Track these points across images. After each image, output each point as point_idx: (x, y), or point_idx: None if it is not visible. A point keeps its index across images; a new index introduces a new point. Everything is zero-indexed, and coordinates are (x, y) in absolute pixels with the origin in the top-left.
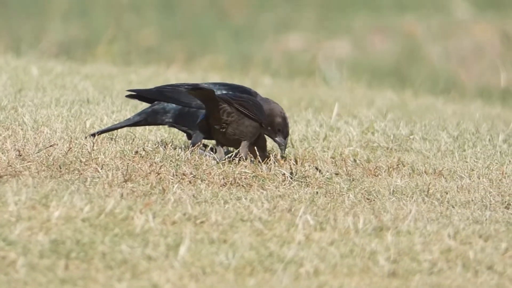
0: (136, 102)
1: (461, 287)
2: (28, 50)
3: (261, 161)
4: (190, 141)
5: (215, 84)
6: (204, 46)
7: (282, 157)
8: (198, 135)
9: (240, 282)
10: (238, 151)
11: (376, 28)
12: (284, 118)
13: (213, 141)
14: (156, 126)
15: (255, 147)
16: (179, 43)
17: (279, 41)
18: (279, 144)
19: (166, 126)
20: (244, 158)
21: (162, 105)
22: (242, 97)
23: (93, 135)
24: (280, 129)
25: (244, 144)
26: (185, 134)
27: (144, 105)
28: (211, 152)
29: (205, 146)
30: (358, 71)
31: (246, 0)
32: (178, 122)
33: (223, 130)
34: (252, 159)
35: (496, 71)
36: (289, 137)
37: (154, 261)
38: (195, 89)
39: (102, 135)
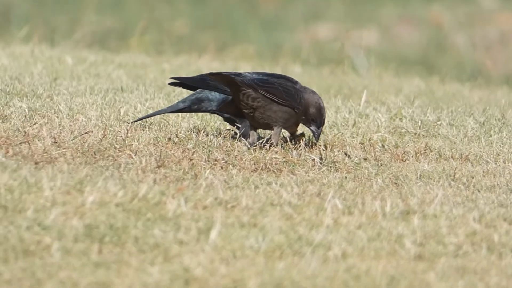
0: (169, 89)
1: (486, 269)
2: (63, 41)
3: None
4: (239, 131)
5: (255, 73)
6: (235, 36)
7: (313, 143)
8: (246, 125)
9: (270, 265)
10: (270, 136)
11: (403, 18)
12: (319, 109)
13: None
14: (189, 113)
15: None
16: (211, 33)
17: (309, 31)
18: (313, 133)
19: (199, 113)
20: (275, 144)
21: (205, 93)
22: (271, 82)
23: (138, 120)
24: (314, 119)
25: (276, 130)
26: (223, 120)
27: (179, 93)
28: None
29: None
30: (386, 59)
31: None
32: (222, 109)
33: (251, 114)
34: (283, 144)
35: None
36: (323, 127)
37: (186, 245)
38: (214, 74)
39: (136, 122)
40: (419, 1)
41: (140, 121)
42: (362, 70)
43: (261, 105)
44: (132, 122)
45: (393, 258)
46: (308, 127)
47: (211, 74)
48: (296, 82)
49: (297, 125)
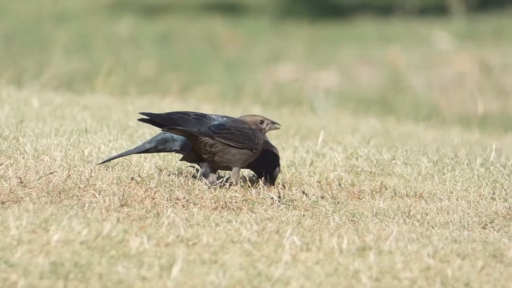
0: (132, 130)
1: None
2: (30, 83)
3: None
4: (200, 171)
5: (220, 116)
6: (198, 77)
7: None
8: (206, 165)
9: None
10: (230, 176)
11: (362, 59)
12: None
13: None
14: (151, 154)
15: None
16: (175, 74)
17: (270, 72)
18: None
19: (161, 153)
20: (234, 183)
21: (170, 133)
22: (228, 128)
23: (105, 161)
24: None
25: (234, 170)
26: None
27: (141, 134)
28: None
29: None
30: (344, 100)
31: (238, 34)
32: (185, 149)
33: (210, 159)
34: (242, 183)
35: (475, 99)
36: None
37: (149, 281)
38: (170, 128)
39: (99, 162)
40: (378, 43)
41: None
42: (321, 111)
43: (219, 149)
44: (98, 164)
45: None
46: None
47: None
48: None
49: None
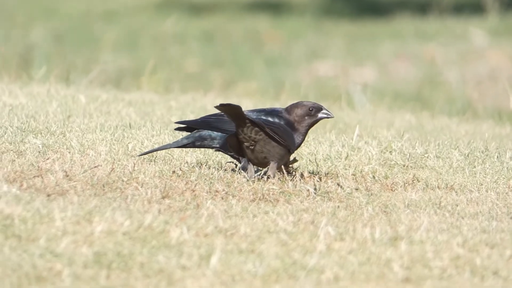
0: (173, 126)
1: None
2: (79, 80)
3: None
4: (240, 165)
5: (256, 111)
6: (241, 74)
7: (309, 174)
8: (245, 160)
9: None
10: (267, 170)
11: (399, 55)
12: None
13: None
14: (192, 149)
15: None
16: (218, 71)
17: (310, 69)
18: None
19: (202, 148)
20: (272, 177)
21: (208, 132)
22: (274, 123)
23: (144, 153)
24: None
25: (272, 165)
26: (228, 157)
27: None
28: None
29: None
30: (381, 95)
31: (280, 32)
32: (224, 147)
33: (252, 147)
34: (280, 176)
35: (508, 94)
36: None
37: (188, 270)
38: (223, 105)
39: (143, 156)
40: (415, 39)
41: (146, 155)
42: (359, 106)
43: (262, 138)
44: (139, 155)
45: (382, 281)
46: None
47: (221, 105)
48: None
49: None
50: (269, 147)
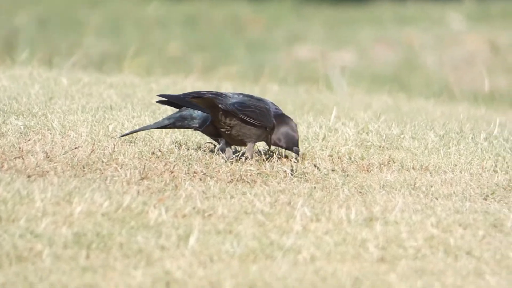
0: (154, 107)
1: (442, 270)
2: (62, 63)
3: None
4: (218, 146)
5: (236, 94)
6: (221, 58)
7: (286, 156)
8: (223, 141)
9: (244, 268)
10: (245, 151)
11: (379, 40)
12: (296, 134)
13: None
14: (172, 129)
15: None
16: (200, 55)
17: (290, 53)
18: (296, 153)
19: (182, 129)
20: (250, 157)
21: (189, 111)
22: (248, 106)
23: (125, 135)
24: (291, 146)
25: (249, 146)
26: (207, 138)
27: (163, 111)
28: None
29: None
30: (360, 78)
31: (261, 16)
32: (204, 132)
33: (228, 132)
34: (257, 158)
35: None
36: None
37: (167, 250)
38: (196, 97)
39: (123, 138)
40: (394, 24)
41: (126, 137)
42: (338, 88)
43: (237, 123)
44: (119, 137)
45: (357, 261)
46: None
47: (193, 97)
48: (269, 104)
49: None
50: (245, 130)
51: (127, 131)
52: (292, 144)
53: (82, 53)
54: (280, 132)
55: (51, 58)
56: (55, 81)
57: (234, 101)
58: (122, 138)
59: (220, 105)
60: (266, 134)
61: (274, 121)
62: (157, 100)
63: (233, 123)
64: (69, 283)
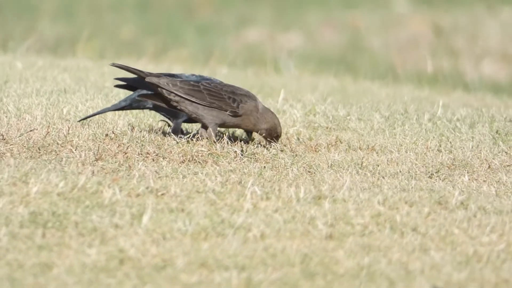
0: (107, 91)
1: (389, 247)
2: (16, 47)
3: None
4: (170, 128)
5: (192, 75)
6: (173, 41)
7: (236, 138)
8: (177, 123)
9: (196, 246)
10: (196, 132)
11: (325, 22)
12: (276, 127)
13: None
14: (124, 112)
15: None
16: (152, 38)
17: (239, 36)
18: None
19: (134, 111)
20: (211, 141)
21: (144, 92)
22: (196, 86)
23: (84, 118)
24: (273, 135)
25: (209, 129)
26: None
27: (116, 94)
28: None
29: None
30: (307, 60)
31: (211, 0)
32: (157, 107)
33: (179, 108)
34: (208, 139)
35: (427, 59)
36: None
37: (121, 228)
38: (142, 96)
39: (76, 120)
40: (340, 7)
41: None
42: (286, 71)
43: (178, 100)
44: (79, 121)
45: (306, 238)
46: (265, 139)
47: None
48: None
49: (248, 128)
50: (194, 110)
51: (81, 115)
52: (275, 134)
53: (36, 37)
54: (267, 121)
55: (6, 43)
56: (10, 65)
57: (183, 79)
58: (75, 121)
59: (154, 82)
60: (236, 121)
61: (243, 109)
62: (115, 84)
63: (174, 99)
64: (26, 262)
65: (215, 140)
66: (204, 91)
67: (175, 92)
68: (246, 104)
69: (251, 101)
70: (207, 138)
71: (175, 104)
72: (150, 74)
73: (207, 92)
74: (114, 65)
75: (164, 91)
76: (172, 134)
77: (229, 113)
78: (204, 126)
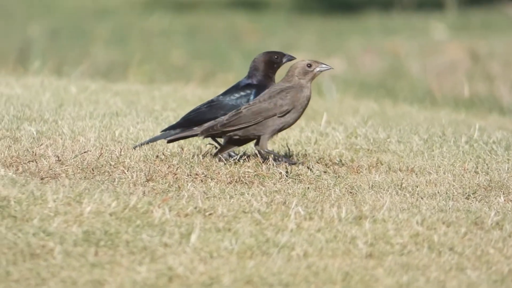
0: (156, 114)
1: (427, 265)
2: (70, 72)
3: None
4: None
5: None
6: (220, 66)
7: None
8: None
9: (242, 264)
10: (242, 154)
11: (366, 49)
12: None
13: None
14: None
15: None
16: (200, 63)
17: None
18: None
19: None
20: (263, 151)
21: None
22: (237, 114)
23: (138, 146)
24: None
25: (262, 138)
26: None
27: (165, 117)
28: (233, 153)
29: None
30: (350, 85)
31: (257, 26)
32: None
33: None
34: (254, 160)
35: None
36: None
37: (170, 247)
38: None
39: (128, 142)
40: (380, 34)
41: (131, 141)
42: (329, 95)
43: (232, 133)
44: (133, 147)
45: (347, 257)
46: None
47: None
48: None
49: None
50: (248, 131)
51: (133, 137)
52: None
53: (90, 62)
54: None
55: (61, 67)
56: (65, 89)
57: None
58: (128, 143)
59: (215, 135)
60: (288, 120)
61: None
62: (168, 140)
63: (228, 130)
64: (79, 279)
65: (267, 151)
66: (247, 113)
67: (229, 130)
68: (289, 94)
69: (292, 90)
70: (263, 154)
71: (231, 135)
72: (201, 133)
73: (251, 112)
74: (169, 141)
75: (222, 135)
76: (220, 155)
77: (279, 115)
78: (258, 141)
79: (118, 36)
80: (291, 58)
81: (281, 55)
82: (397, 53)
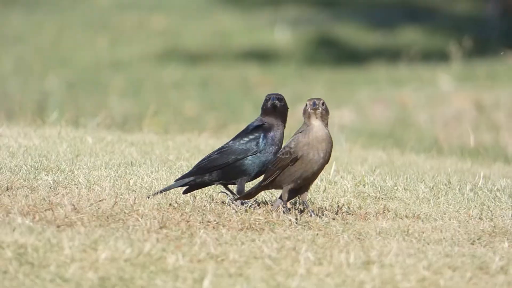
0: (170, 164)
1: None
2: (87, 123)
3: None
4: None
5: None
6: (232, 116)
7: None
8: (241, 183)
9: None
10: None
11: (375, 99)
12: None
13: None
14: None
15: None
16: (213, 114)
17: (294, 111)
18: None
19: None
20: (284, 200)
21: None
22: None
23: (156, 194)
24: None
25: (284, 189)
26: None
27: (179, 167)
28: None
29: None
30: (358, 135)
31: (268, 78)
32: (224, 178)
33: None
34: (264, 207)
35: (469, 133)
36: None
37: None
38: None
39: (142, 190)
40: (388, 85)
41: (145, 189)
42: (339, 145)
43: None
44: (148, 197)
45: None
46: None
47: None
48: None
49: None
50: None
51: (147, 186)
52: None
53: (106, 114)
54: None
55: (78, 119)
56: (81, 140)
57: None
58: (142, 191)
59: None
60: (296, 170)
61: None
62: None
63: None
64: None
65: (286, 200)
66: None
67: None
68: (296, 141)
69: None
70: (282, 204)
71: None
72: (238, 197)
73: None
74: (222, 191)
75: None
76: (231, 203)
77: (290, 163)
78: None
79: (133, 88)
80: (274, 98)
81: (268, 97)
82: (405, 103)
